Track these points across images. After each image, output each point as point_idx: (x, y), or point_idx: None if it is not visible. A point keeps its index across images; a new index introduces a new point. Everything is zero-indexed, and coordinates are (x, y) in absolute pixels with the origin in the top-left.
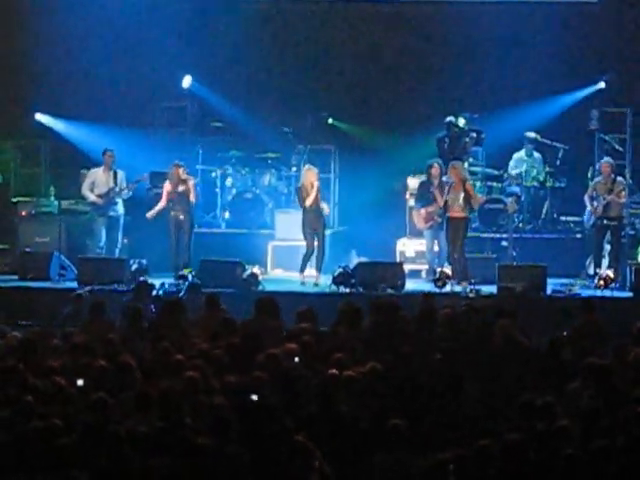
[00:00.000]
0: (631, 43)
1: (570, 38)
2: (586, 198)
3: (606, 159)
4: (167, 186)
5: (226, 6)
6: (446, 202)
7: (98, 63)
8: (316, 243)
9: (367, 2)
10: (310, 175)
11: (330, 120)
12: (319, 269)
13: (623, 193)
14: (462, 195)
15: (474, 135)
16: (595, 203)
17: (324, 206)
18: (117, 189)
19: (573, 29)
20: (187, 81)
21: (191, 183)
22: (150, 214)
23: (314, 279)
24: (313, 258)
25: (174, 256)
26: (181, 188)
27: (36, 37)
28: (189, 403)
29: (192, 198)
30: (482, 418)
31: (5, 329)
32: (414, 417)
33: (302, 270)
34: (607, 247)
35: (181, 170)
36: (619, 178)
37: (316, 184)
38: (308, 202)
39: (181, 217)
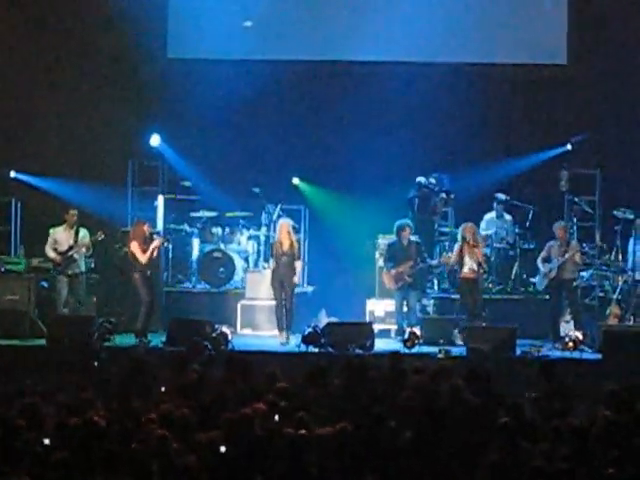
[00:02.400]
0: (600, 105)
1: (539, 99)
2: (539, 261)
3: (561, 223)
4: (138, 245)
5: (193, 67)
6: (460, 261)
7: (72, 120)
8: (283, 300)
9: (332, 64)
10: (284, 227)
11: (296, 181)
12: (288, 327)
13: (577, 255)
14: (475, 255)
15: (444, 196)
16: (548, 265)
17: (297, 263)
18: (76, 247)
19: (542, 90)
20: (155, 140)
21: (156, 243)
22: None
23: (282, 338)
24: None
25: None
26: (152, 246)
27: (10, 95)
28: (159, 463)
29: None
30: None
31: None
32: (385, 477)
33: (280, 328)
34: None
35: (146, 227)
36: (573, 241)
37: (292, 236)
38: (281, 251)
39: (148, 273)
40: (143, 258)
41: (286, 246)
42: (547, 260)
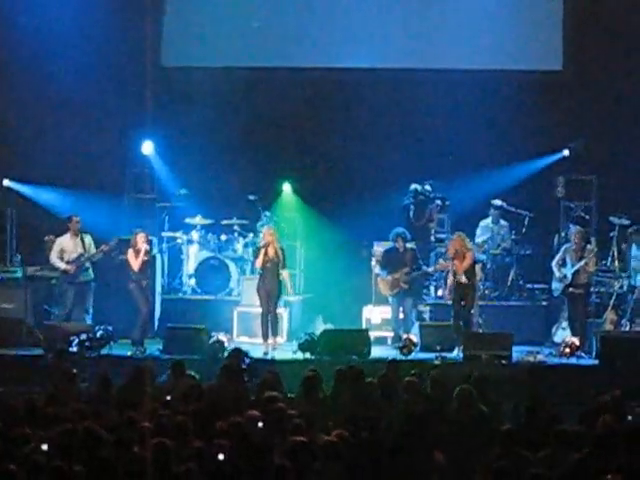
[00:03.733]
0: (596, 110)
1: (535, 106)
2: (554, 264)
3: (577, 228)
4: (132, 253)
5: (188, 75)
6: (454, 272)
7: (65, 128)
8: (270, 308)
9: (329, 70)
10: (267, 234)
11: (287, 187)
12: (275, 334)
13: (593, 261)
14: (465, 263)
15: (439, 202)
16: (564, 270)
17: (284, 272)
18: (86, 254)
19: (538, 97)
20: (148, 147)
21: (142, 252)
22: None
23: (272, 345)
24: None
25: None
26: (141, 257)
27: (3, 103)
28: (156, 470)
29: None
30: None
31: None
32: None
33: (265, 337)
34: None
35: (139, 236)
36: (589, 246)
37: (277, 244)
38: (260, 263)
39: (144, 283)
40: (135, 266)
41: (271, 253)
42: (563, 264)
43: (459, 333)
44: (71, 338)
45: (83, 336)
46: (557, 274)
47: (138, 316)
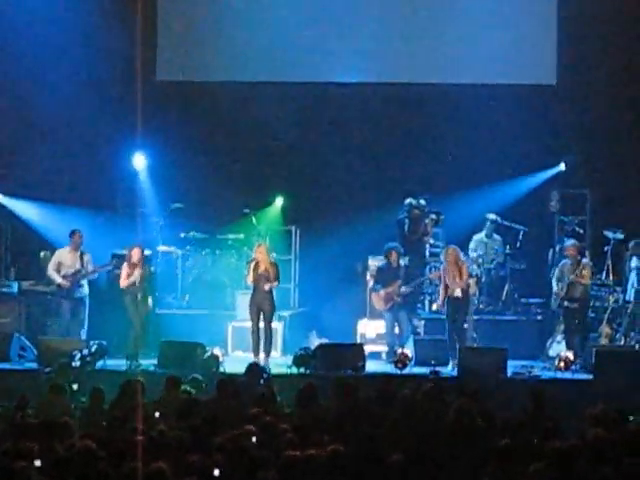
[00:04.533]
0: (590, 125)
1: (529, 120)
2: (554, 281)
3: (572, 242)
4: (126, 268)
5: (183, 88)
6: (446, 285)
7: (58, 142)
8: (262, 324)
9: (324, 85)
10: (257, 251)
11: (279, 201)
12: (267, 352)
13: (584, 273)
14: (463, 277)
15: (434, 216)
16: (560, 285)
17: (268, 284)
18: (84, 271)
19: (532, 111)
20: (139, 161)
21: (137, 271)
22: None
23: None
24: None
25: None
26: (137, 271)
27: None
28: None
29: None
30: None
31: None
32: None
33: (255, 352)
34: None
35: (133, 252)
36: (584, 260)
37: (266, 261)
38: (250, 279)
39: (139, 297)
40: (124, 282)
41: (262, 268)
42: (560, 279)
43: (453, 348)
44: (73, 353)
45: (85, 351)
46: (555, 289)
47: (131, 330)
